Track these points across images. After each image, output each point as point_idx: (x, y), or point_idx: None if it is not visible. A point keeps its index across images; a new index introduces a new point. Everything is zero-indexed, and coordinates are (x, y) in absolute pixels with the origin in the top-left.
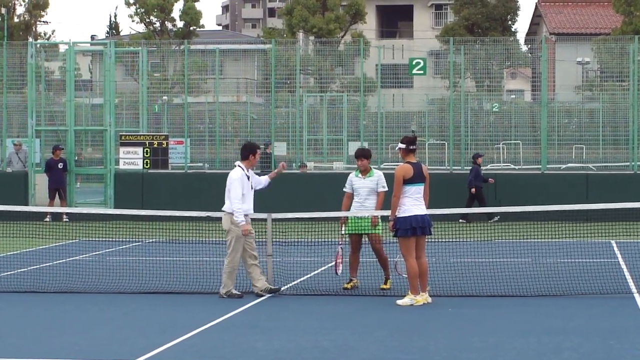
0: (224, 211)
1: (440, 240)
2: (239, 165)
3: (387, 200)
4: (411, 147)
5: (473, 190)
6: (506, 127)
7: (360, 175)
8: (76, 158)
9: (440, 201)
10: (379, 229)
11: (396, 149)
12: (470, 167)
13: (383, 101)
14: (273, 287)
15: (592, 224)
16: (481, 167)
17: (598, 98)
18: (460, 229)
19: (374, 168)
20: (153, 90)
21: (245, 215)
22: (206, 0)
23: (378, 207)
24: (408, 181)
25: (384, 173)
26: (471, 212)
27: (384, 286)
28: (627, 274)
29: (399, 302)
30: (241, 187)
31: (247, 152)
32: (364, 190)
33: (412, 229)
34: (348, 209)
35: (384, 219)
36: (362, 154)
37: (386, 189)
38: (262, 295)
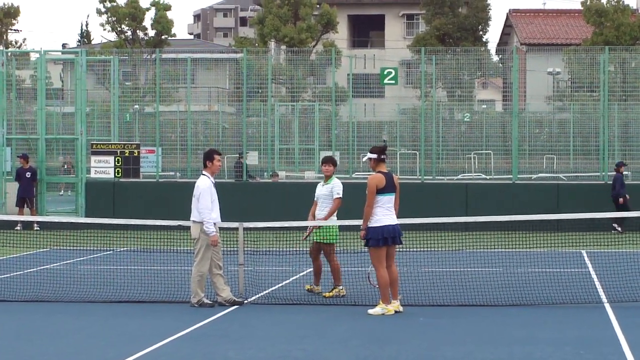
0: (192, 220)
1: (411, 249)
2: (204, 174)
3: (357, 209)
4: (382, 157)
5: (621, 200)
6: (477, 137)
7: (322, 182)
8: (64, 166)
9: (412, 210)
10: (317, 237)
11: (364, 159)
12: (613, 175)
13: (354, 111)
14: (237, 299)
15: (563, 233)
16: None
17: (569, 108)
18: (431, 238)
19: (340, 177)
20: (124, 99)
21: (214, 224)
22: (178, 9)
23: (329, 213)
24: (380, 191)
25: (354, 183)
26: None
27: (309, 287)
28: (597, 283)
29: (371, 311)
30: (210, 196)
31: (204, 158)
32: (321, 198)
33: (383, 239)
34: (313, 217)
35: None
36: (327, 160)
37: (339, 195)
38: (224, 305)
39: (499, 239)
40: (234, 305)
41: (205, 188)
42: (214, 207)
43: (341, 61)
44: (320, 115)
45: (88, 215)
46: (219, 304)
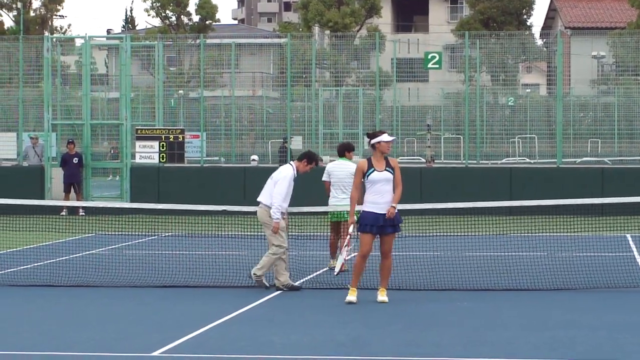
0: (259, 202)
1: (454, 234)
2: (292, 164)
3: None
4: None
5: None
6: (522, 121)
7: None
8: (112, 151)
9: (455, 194)
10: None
11: (371, 142)
12: None
13: (399, 95)
14: (295, 284)
15: (608, 217)
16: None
17: (613, 92)
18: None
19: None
20: (169, 84)
21: (282, 213)
22: None
23: None
24: None
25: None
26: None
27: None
28: None
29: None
30: (289, 185)
31: (308, 158)
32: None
33: None
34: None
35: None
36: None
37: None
38: (281, 289)
39: (543, 223)
40: (290, 290)
41: (288, 176)
42: (287, 198)
43: (385, 46)
44: (364, 100)
45: (133, 200)
46: (276, 288)
